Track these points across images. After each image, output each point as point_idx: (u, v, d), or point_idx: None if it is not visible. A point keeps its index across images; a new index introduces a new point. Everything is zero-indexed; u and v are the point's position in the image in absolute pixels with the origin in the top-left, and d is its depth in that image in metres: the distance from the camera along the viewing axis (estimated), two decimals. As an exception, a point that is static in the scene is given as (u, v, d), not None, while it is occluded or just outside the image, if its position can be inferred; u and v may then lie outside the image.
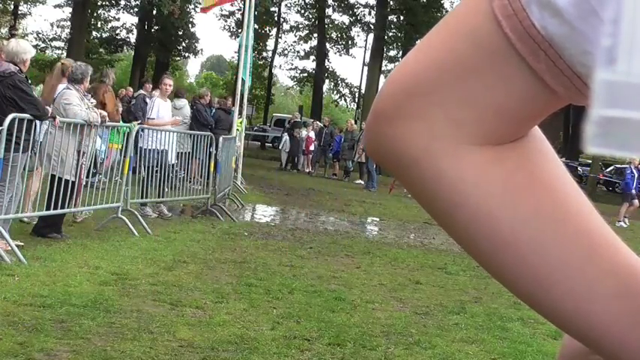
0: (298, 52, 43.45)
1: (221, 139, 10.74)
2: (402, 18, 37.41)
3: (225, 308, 5.54)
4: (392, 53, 41.18)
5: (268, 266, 7.31)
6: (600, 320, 0.51)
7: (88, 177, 8.08)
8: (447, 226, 0.55)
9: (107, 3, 38.79)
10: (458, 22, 0.52)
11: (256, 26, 34.64)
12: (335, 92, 44.88)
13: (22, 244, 6.72)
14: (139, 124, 9.82)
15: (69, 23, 35.79)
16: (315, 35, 41.74)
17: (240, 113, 14.57)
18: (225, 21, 42.07)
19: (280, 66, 55.90)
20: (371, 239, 10.42)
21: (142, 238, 7.99)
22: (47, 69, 36.87)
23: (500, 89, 0.50)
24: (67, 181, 7.41)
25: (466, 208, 0.52)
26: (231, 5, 38.71)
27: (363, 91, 40.26)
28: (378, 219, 13.17)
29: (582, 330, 0.52)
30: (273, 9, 40.97)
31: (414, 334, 5.35)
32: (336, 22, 42.60)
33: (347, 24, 42.07)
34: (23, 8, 38.13)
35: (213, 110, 14.88)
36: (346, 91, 44.02)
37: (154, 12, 34.97)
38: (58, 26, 38.61)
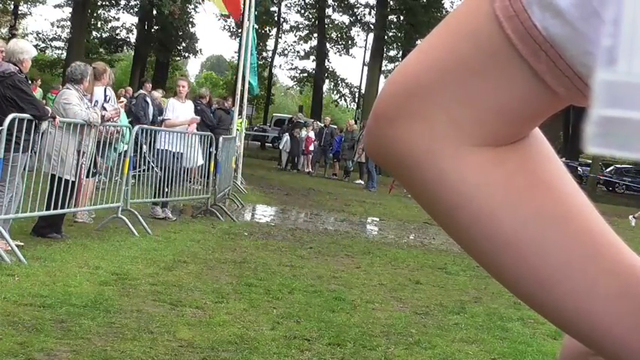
0: (298, 52, 43.48)
1: (221, 139, 10.74)
2: (402, 18, 37.40)
3: (225, 308, 5.54)
4: (392, 53, 41.18)
5: (268, 266, 7.31)
6: (601, 321, 0.51)
7: (88, 177, 8.08)
8: (448, 227, 0.55)
9: (107, 3, 38.78)
10: (459, 23, 0.52)
11: (256, 26, 34.71)
12: (335, 92, 44.88)
13: (22, 244, 6.72)
14: (138, 124, 9.83)
15: (69, 23, 35.80)
16: (315, 35, 41.74)
17: (240, 113, 14.57)
18: (225, 21, 42.07)
19: (280, 66, 55.94)
20: (371, 239, 10.42)
21: (142, 238, 7.99)
22: (47, 69, 37.06)
23: (501, 90, 0.50)
24: (67, 181, 7.41)
25: (467, 209, 0.52)
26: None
27: (363, 91, 40.26)
28: (378, 219, 13.17)
29: (584, 331, 0.52)
30: (273, 9, 40.97)
31: (414, 334, 5.35)
32: (336, 22, 42.60)
33: (347, 24, 42.10)
34: (23, 8, 38.13)
35: (213, 110, 14.89)
36: (346, 91, 44.03)
37: (154, 12, 34.98)
38: (58, 26, 38.65)
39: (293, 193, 16.12)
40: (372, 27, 38.72)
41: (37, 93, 16.83)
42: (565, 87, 0.50)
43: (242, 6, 13.55)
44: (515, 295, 0.55)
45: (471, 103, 0.51)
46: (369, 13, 40.64)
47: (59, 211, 7.40)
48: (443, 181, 0.52)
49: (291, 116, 28.57)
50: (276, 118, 39.20)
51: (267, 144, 35.13)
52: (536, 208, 0.52)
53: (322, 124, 25.03)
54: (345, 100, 45.39)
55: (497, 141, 0.52)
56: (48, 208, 7.24)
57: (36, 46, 25.76)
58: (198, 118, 10.92)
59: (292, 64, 48.10)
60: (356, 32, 43.92)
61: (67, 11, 37.59)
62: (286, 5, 43.15)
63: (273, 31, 43.09)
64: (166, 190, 9.57)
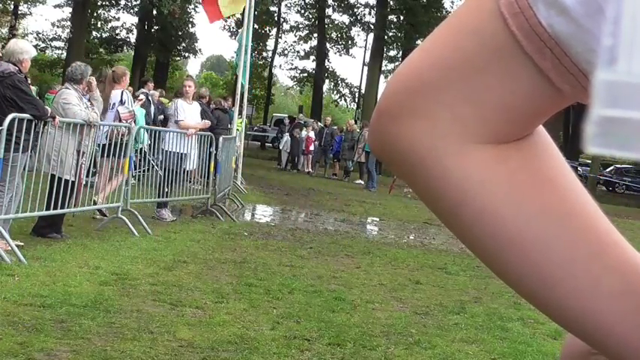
0: (298, 52, 43.46)
1: (221, 139, 10.74)
2: (402, 18, 37.41)
3: (225, 308, 5.54)
4: (392, 53, 41.19)
5: (268, 266, 7.31)
6: (605, 319, 0.50)
7: (87, 176, 8.09)
8: (451, 225, 0.55)
9: (107, 3, 38.78)
10: (462, 21, 0.52)
11: (256, 26, 34.70)
12: (335, 92, 44.87)
13: (22, 244, 6.72)
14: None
15: (69, 23, 35.79)
16: (315, 35, 41.73)
17: (240, 113, 14.57)
18: (225, 21, 42.04)
19: (280, 66, 55.92)
20: (371, 239, 10.42)
21: (142, 238, 7.99)
22: (47, 69, 37.07)
23: (505, 87, 0.50)
24: (66, 181, 7.41)
25: (471, 207, 0.52)
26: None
27: (363, 91, 40.26)
28: (378, 219, 13.17)
29: (587, 329, 0.52)
30: (273, 9, 40.97)
31: (414, 334, 5.35)
32: (336, 22, 42.60)
33: (347, 24, 42.10)
34: (23, 8, 38.09)
35: (211, 110, 14.89)
36: (346, 91, 44.03)
37: (154, 12, 34.98)
38: (58, 26, 38.63)
39: (293, 193, 16.11)
40: (372, 27, 38.72)
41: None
42: (570, 84, 0.49)
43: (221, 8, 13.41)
44: (518, 294, 0.55)
45: (475, 101, 0.51)
46: (369, 13, 40.67)
47: (59, 211, 7.40)
48: (446, 179, 0.52)
49: (286, 115, 28.49)
50: (276, 118, 39.20)
51: (267, 144, 35.13)
52: (540, 205, 0.52)
53: (322, 124, 25.03)
54: (345, 100, 45.40)
55: (500, 139, 0.52)
56: (48, 208, 7.24)
57: (36, 46, 25.77)
58: (209, 122, 10.96)
59: (292, 64, 48.15)
60: (356, 32, 43.99)
61: (67, 11, 37.60)
62: (286, 5, 43.18)
63: (273, 31, 43.09)
64: (166, 190, 9.58)
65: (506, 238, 0.52)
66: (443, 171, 0.52)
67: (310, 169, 23.55)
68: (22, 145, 6.63)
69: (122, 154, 8.60)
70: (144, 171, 10.24)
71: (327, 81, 42.63)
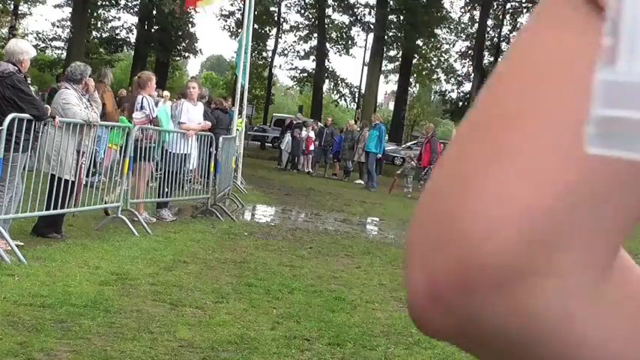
0: (298, 52, 43.48)
1: (221, 139, 10.74)
2: (402, 18, 37.42)
3: (225, 308, 5.54)
4: (392, 53, 41.24)
5: (268, 266, 7.31)
6: None
7: (87, 176, 8.09)
8: None
9: (107, 3, 38.81)
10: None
11: (256, 26, 34.72)
12: (335, 92, 44.90)
13: (22, 244, 6.72)
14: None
15: (69, 23, 35.81)
16: (315, 35, 41.74)
17: (240, 113, 14.57)
18: (225, 21, 42.10)
19: (280, 66, 55.80)
20: (371, 239, 10.42)
21: (142, 238, 7.99)
22: (47, 69, 37.08)
23: (630, 199, 0.38)
24: (66, 181, 7.41)
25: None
26: (231, 5, 38.75)
27: (363, 91, 40.27)
28: (378, 219, 13.17)
29: None
30: (273, 9, 40.99)
31: (414, 334, 5.35)
32: (336, 22, 42.61)
33: (347, 24, 42.11)
34: (23, 8, 38.14)
35: (211, 110, 14.89)
36: (346, 91, 44.07)
37: (154, 12, 34.99)
38: (58, 26, 38.66)
39: (293, 193, 16.11)
40: (372, 27, 38.74)
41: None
42: None
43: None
44: None
45: (606, 231, 0.38)
46: (369, 13, 40.68)
47: (59, 211, 7.40)
48: (584, 346, 0.40)
49: (292, 117, 28.49)
50: (276, 118, 39.20)
51: (267, 144, 35.13)
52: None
53: (322, 124, 25.03)
54: (345, 100, 45.43)
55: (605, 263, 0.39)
56: (48, 208, 7.24)
57: (36, 46, 25.78)
58: (209, 123, 10.96)
59: (292, 64, 48.09)
60: (356, 32, 43.96)
61: (67, 11, 37.65)
62: (286, 5, 43.19)
63: (273, 31, 43.10)
64: (166, 190, 9.58)
65: None
66: (581, 338, 0.40)
67: (310, 169, 23.56)
68: (21, 145, 6.63)
69: (148, 157, 8.85)
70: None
71: (327, 81, 42.66)
